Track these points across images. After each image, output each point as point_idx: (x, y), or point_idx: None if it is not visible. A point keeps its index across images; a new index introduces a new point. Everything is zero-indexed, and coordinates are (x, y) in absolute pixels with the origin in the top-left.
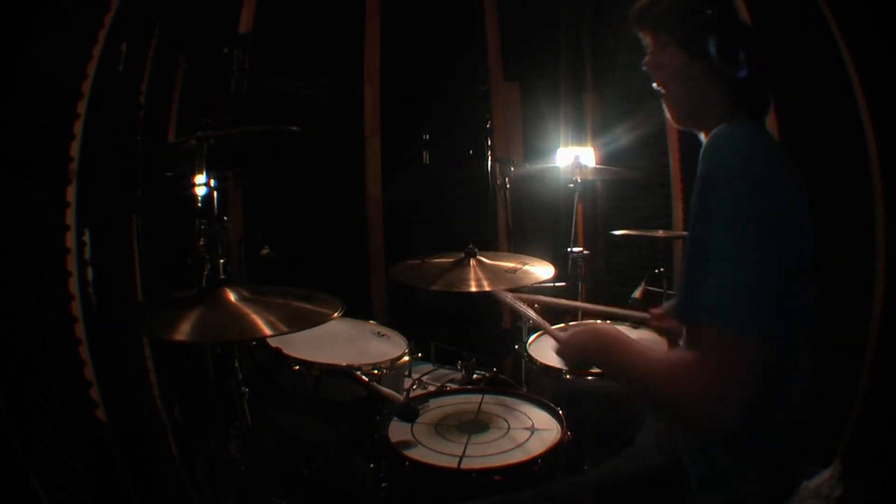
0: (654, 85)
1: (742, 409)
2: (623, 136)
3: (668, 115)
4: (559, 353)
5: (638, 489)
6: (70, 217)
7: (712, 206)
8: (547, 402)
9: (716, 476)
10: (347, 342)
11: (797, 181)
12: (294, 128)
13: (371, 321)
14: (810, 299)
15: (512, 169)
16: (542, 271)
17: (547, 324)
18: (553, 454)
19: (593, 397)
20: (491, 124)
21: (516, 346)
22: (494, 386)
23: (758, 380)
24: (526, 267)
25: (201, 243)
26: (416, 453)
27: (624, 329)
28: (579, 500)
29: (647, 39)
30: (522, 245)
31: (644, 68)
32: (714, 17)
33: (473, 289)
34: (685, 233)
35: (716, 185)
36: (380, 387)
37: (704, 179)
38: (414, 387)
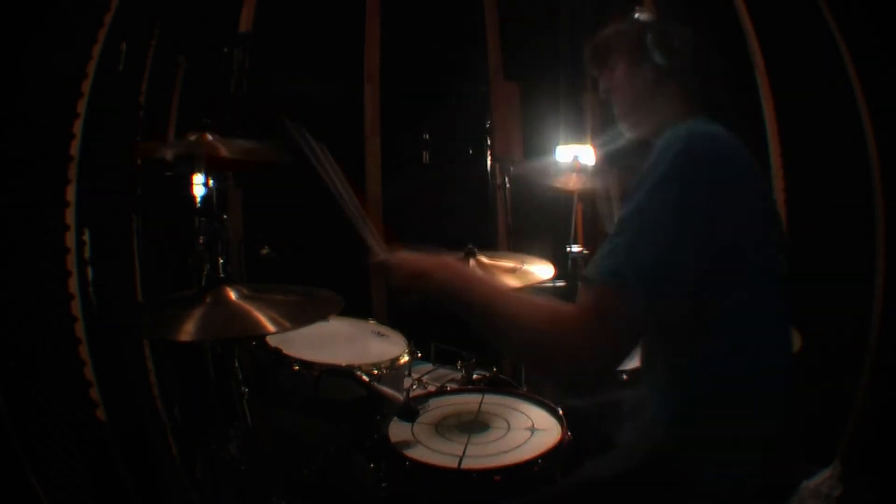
0: (612, 103)
1: (610, 361)
2: (622, 136)
3: (620, 125)
4: (386, 263)
5: (633, 490)
6: (70, 217)
7: (646, 182)
8: (547, 401)
9: (714, 473)
10: (347, 342)
11: (757, 184)
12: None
13: (371, 321)
14: (759, 277)
15: (512, 168)
16: (541, 270)
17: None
18: (553, 454)
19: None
20: (491, 124)
21: None
22: (494, 386)
23: (631, 337)
24: (525, 266)
25: (201, 242)
26: (416, 453)
27: None
28: (580, 501)
29: (602, 80)
30: (522, 244)
31: (602, 98)
32: (644, 24)
33: None
34: None
35: (657, 165)
36: (380, 386)
37: (653, 159)
38: (414, 386)
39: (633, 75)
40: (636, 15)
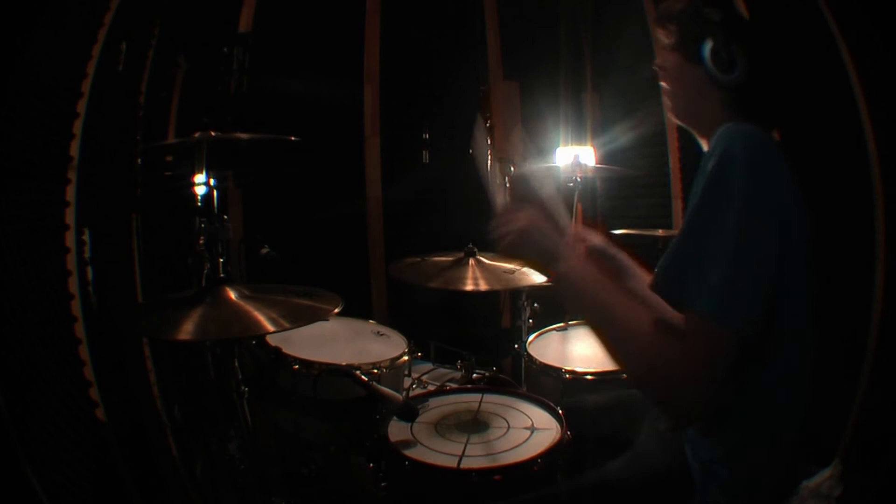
0: (661, 82)
1: (706, 399)
2: (623, 136)
3: (667, 109)
4: (507, 234)
5: (639, 492)
6: (70, 216)
7: (720, 199)
8: (547, 401)
9: (720, 476)
10: (347, 341)
11: (796, 184)
12: (294, 137)
13: (371, 320)
14: (807, 301)
15: (511, 168)
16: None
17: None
18: (553, 454)
19: (592, 400)
20: (491, 124)
21: (516, 346)
22: (494, 385)
23: (725, 375)
24: (525, 269)
25: (201, 242)
26: (415, 453)
27: None
28: (580, 500)
29: (661, 38)
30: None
31: (654, 67)
32: (710, 25)
33: (470, 288)
34: None
35: (724, 179)
36: (379, 386)
37: (712, 172)
38: (413, 386)
39: (685, 71)
40: (706, 10)
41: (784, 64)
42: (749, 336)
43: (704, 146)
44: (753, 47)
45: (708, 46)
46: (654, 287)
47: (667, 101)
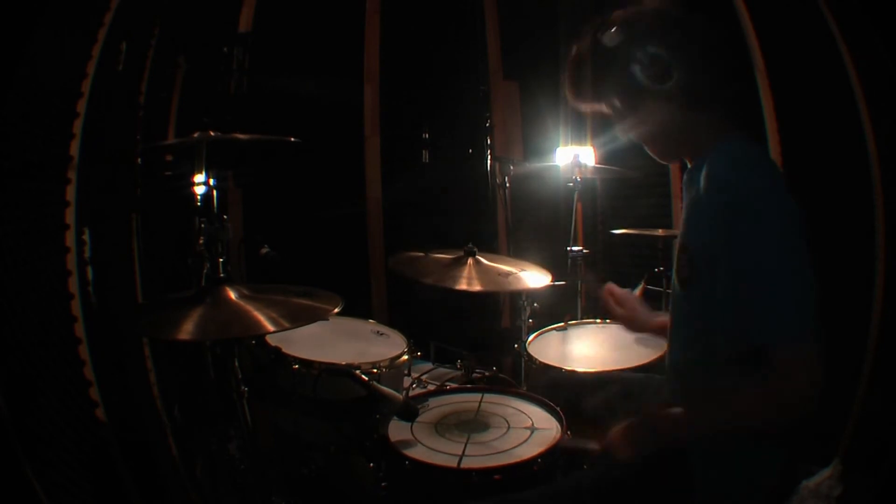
0: (635, 139)
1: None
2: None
3: (657, 157)
4: (616, 456)
5: (638, 489)
6: (70, 216)
7: (754, 231)
8: (547, 401)
9: (719, 473)
10: (347, 341)
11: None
12: (294, 138)
13: (371, 320)
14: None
15: (511, 168)
16: (537, 278)
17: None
18: (553, 454)
19: (591, 395)
20: (491, 124)
21: (516, 346)
22: (494, 385)
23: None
24: (521, 273)
25: (201, 242)
26: (415, 453)
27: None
28: (579, 500)
29: (600, 107)
30: (522, 244)
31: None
32: (618, 50)
33: (464, 287)
34: None
35: (751, 211)
36: (379, 386)
37: (735, 205)
38: (413, 386)
39: (638, 109)
40: (605, 39)
41: (729, 38)
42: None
43: (688, 159)
44: (674, 38)
45: (636, 70)
46: (727, 342)
47: (652, 151)
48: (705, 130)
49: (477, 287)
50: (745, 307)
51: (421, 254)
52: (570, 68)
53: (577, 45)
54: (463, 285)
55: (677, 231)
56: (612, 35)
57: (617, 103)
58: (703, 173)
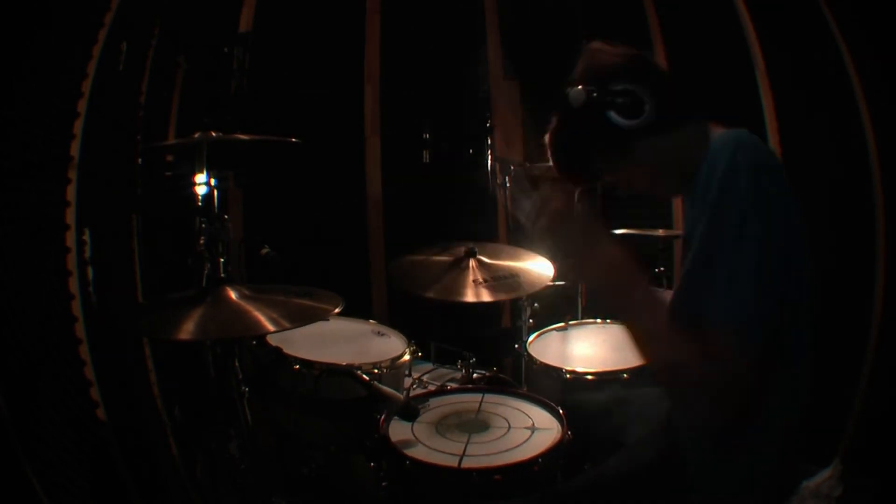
0: (639, 192)
1: (734, 410)
2: None
3: (662, 198)
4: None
5: (635, 486)
6: (70, 216)
7: (720, 211)
8: (547, 401)
9: (715, 472)
10: (347, 341)
11: (788, 180)
12: (294, 138)
13: (371, 320)
14: (809, 297)
15: (511, 168)
16: (540, 269)
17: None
18: (553, 454)
19: (590, 402)
20: (491, 124)
21: (516, 346)
22: (495, 385)
23: (750, 388)
24: (526, 264)
25: (202, 242)
26: (416, 453)
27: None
28: (579, 500)
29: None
30: (522, 244)
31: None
32: (595, 107)
33: (471, 298)
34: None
35: (723, 192)
36: (380, 386)
37: (720, 178)
38: (414, 386)
39: (632, 159)
40: (571, 100)
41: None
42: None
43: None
44: (631, 71)
45: (611, 114)
46: (675, 311)
47: (658, 193)
48: (693, 142)
49: (487, 297)
50: (696, 280)
51: (420, 256)
52: (551, 150)
53: (547, 129)
54: (472, 297)
55: (677, 231)
56: (576, 92)
57: (607, 158)
58: (705, 165)
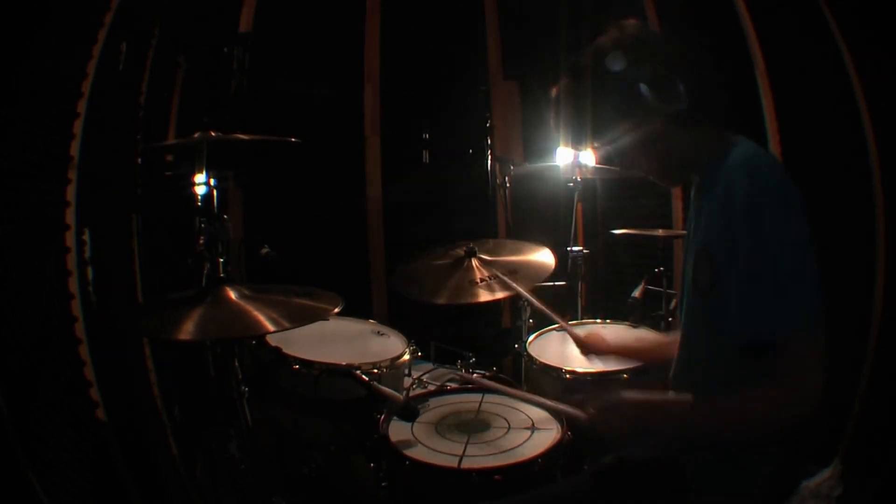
0: (639, 172)
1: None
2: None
3: (662, 183)
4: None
5: (634, 487)
6: (70, 216)
7: (770, 230)
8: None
9: (714, 472)
10: (347, 341)
11: (798, 189)
12: (295, 138)
13: (371, 320)
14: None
15: (511, 168)
16: (542, 257)
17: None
18: (553, 454)
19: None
20: (491, 124)
21: (516, 346)
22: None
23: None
24: (529, 256)
25: (201, 242)
26: (416, 453)
27: (622, 329)
28: (579, 500)
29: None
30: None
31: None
32: (627, 73)
33: (484, 298)
34: (684, 232)
35: (762, 206)
36: (380, 386)
37: (746, 202)
38: (414, 386)
39: (643, 137)
40: (607, 62)
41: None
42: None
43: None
44: (668, 54)
45: (644, 91)
46: (737, 337)
47: (659, 176)
48: (709, 142)
49: (496, 296)
50: (758, 305)
51: (420, 256)
52: (561, 110)
53: (560, 83)
54: (481, 297)
55: (677, 231)
56: (616, 56)
57: (624, 130)
58: (722, 177)
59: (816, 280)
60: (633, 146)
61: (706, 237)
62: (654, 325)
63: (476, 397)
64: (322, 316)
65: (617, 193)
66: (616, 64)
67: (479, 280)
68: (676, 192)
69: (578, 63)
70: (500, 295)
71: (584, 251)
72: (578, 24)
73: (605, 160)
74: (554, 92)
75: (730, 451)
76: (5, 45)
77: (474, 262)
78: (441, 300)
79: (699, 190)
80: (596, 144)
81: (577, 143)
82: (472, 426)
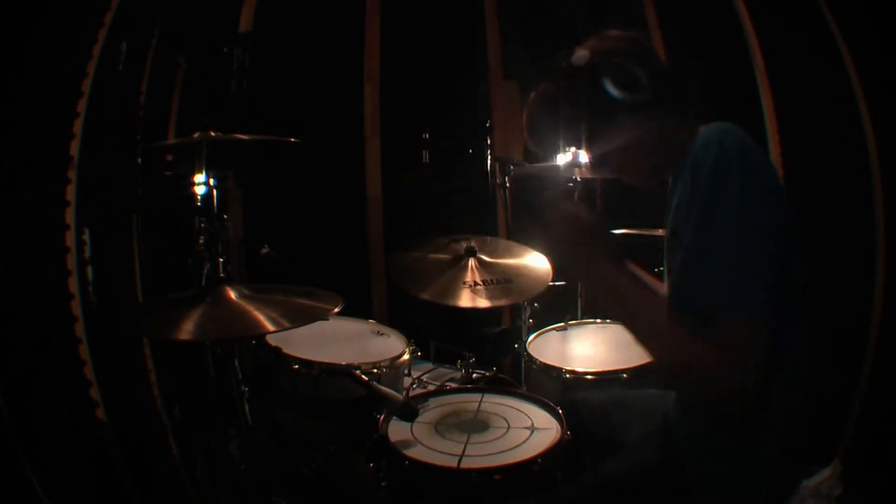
0: (621, 178)
1: (756, 394)
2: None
3: (633, 181)
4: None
5: (635, 489)
6: (70, 216)
7: (713, 196)
8: (547, 401)
9: (715, 473)
10: (347, 341)
11: (774, 170)
12: (294, 138)
13: (371, 320)
14: (801, 286)
15: (511, 168)
16: (540, 267)
17: None
18: (553, 453)
19: (588, 403)
20: (491, 123)
21: (516, 346)
22: (494, 385)
23: (766, 364)
24: (526, 262)
25: (201, 242)
26: (415, 453)
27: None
28: (579, 502)
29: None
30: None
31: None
32: (592, 71)
33: (466, 303)
34: None
35: (714, 177)
36: (379, 386)
37: (708, 171)
38: (413, 386)
39: (616, 135)
40: (574, 60)
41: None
42: (769, 321)
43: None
44: (639, 52)
45: (608, 88)
46: (677, 304)
47: (631, 175)
48: (678, 135)
49: (483, 303)
50: (694, 271)
51: (420, 250)
52: (533, 112)
53: (538, 88)
54: (468, 302)
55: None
56: (580, 54)
57: (592, 125)
58: (690, 160)
59: (774, 267)
60: (603, 142)
61: (674, 220)
62: None
63: (476, 397)
64: (322, 316)
65: (617, 193)
66: (580, 60)
67: (472, 283)
68: None
69: (548, 66)
70: (482, 304)
71: None
72: (578, 23)
73: (588, 166)
74: (531, 99)
75: (730, 451)
76: (5, 44)
77: (472, 263)
78: (425, 296)
79: (672, 183)
80: (571, 147)
81: (551, 147)
82: (472, 426)
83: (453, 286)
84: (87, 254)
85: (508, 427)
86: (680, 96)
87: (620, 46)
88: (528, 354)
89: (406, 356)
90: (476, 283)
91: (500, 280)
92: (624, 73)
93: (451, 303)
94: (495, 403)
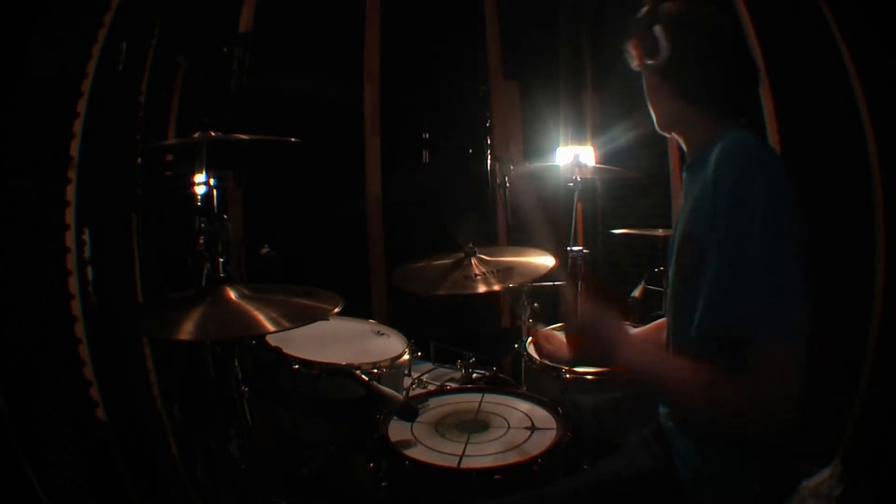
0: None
1: (795, 408)
2: (623, 136)
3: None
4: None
5: (630, 492)
6: (70, 216)
7: (748, 222)
8: (547, 401)
9: (712, 476)
10: (347, 341)
11: (790, 177)
12: (294, 138)
13: (371, 320)
14: (806, 298)
15: (511, 168)
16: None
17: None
18: (553, 454)
19: (590, 402)
20: (491, 123)
21: (516, 346)
22: (494, 385)
23: (804, 378)
24: (527, 259)
25: (201, 242)
26: (415, 453)
27: None
28: (578, 502)
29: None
30: (522, 244)
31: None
32: (642, 22)
33: (482, 289)
34: None
35: (748, 202)
36: (380, 386)
37: (731, 190)
38: (413, 386)
39: (646, 81)
40: (655, 26)
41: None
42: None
43: (685, 146)
44: (678, 26)
45: (659, 48)
46: (703, 328)
47: (655, 112)
48: (708, 123)
49: (493, 287)
50: (728, 297)
51: (420, 263)
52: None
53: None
54: (483, 288)
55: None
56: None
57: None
58: (713, 161)
59: (798, 282)
60: (658, 80)
61: (692, 221)
62: None
63: (476, 397)
64: (322, 316)
65: (617, 193)
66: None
67: (480, 275)
68: (676, 192)
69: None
70: (496, 287)
71: (584, 251)
72: (578, 23)
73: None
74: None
75: (730, 452)
76: (5, 44)
77: (473, 262)
78: (441, 291)
79: (689, 170)
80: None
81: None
82: (472, 426)
83: (464, 280)
84: (87, 254)
85: (508, 427)
86: (715, 89)
87: (686, 21)
88: (528, 354)
89: (406, 356)
90: (483, 274)
91: (503, 269)
92: (649, 40)
93: (467, 293)
94: (495, 403)
